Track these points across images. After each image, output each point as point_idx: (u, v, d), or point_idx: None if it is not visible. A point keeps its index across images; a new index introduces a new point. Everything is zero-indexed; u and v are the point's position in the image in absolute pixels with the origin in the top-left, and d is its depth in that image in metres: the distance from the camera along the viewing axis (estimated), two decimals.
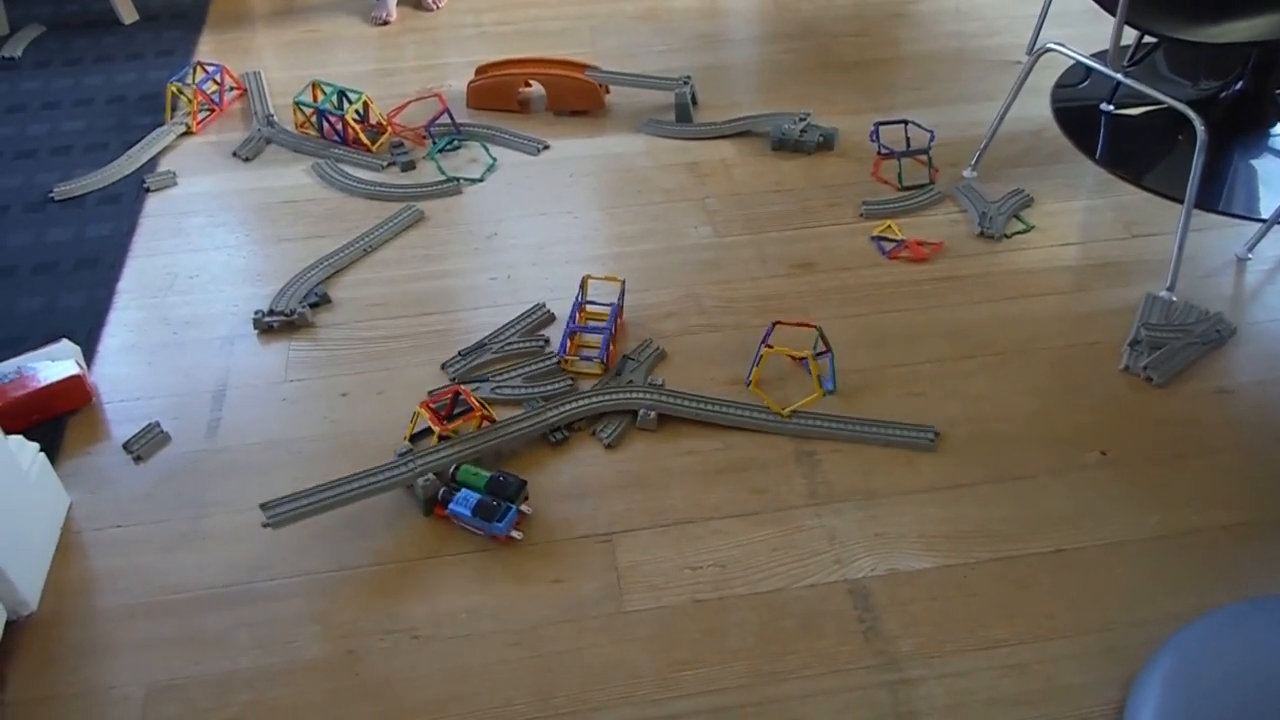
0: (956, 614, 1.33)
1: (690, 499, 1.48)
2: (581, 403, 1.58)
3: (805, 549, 1.41)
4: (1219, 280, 1.82)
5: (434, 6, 2.72)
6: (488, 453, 1.52)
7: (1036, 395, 1.62)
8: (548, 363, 1.67)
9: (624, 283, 1.77)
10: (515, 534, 1.42)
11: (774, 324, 1.66)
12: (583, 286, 1.76)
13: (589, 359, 1.67)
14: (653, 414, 1.56)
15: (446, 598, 1.36)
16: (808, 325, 1.66)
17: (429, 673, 1.28)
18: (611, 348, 1.69)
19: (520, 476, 1.46)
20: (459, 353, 1.71)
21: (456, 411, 1.56)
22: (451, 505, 1.42)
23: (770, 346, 1.62)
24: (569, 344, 1.69)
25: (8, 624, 1.32)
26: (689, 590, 1.36)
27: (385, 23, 2.64)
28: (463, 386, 1.59)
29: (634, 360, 1.67)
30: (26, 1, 2.80)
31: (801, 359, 1.62)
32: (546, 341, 1.72)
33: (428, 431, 1.54)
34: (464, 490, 1.44)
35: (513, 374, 1.66)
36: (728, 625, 1.32)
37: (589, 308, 1.76)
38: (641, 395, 1.58)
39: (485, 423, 1.54)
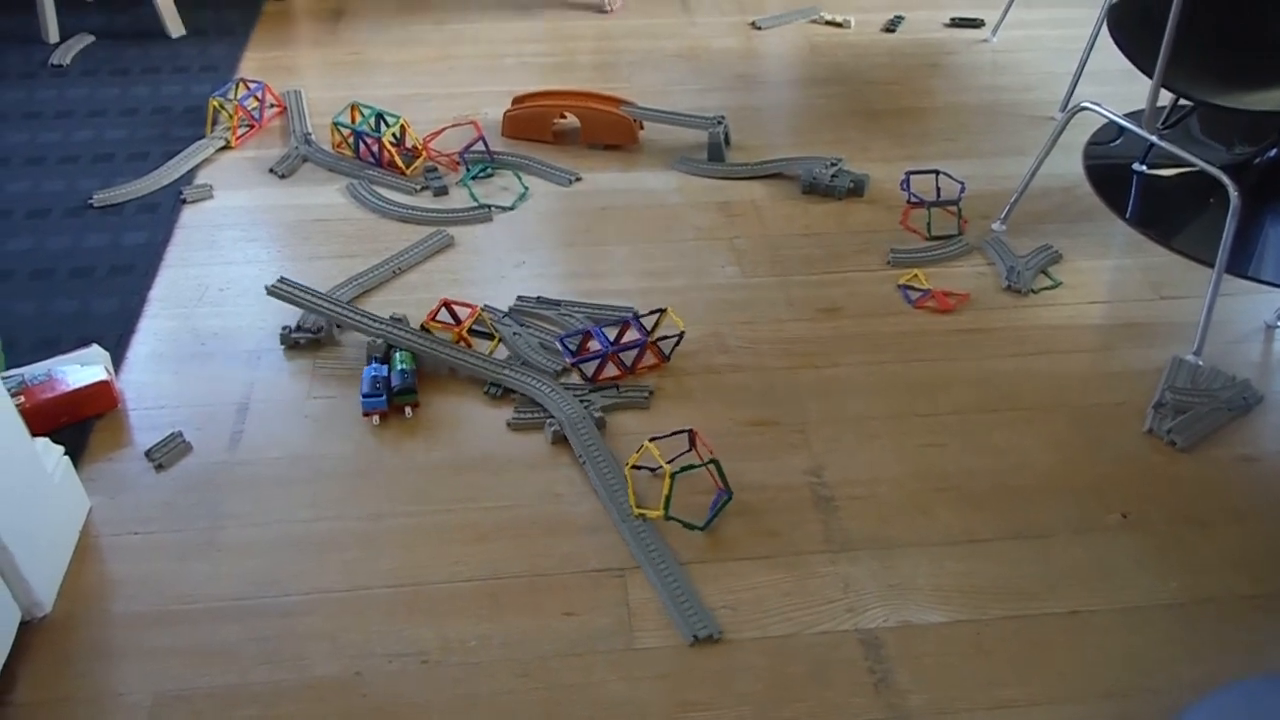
0: (969, 670, 1.32)
1: (704, 538, 1.47)
2: (518, 378, 1.68)
3: (818, 595, 1.40)
4: (1247, 346, 1.81)
5: (609, 8, 2.79)
6: (440, 365, 1.73)
7: (1059, 452, 1.61)
8: (575, 338, 1.74)
9: (682, 334, 1.76)
10: (374, 418, 1.63)
11: (692, 432, 1.58)
12: (660, 315, 1.76)
13: (581, 361, 1.71)
14: (553, 429, 1.60)
15: (457, 623, 1.36)
16: (712, 453, 1.54)
17: (435, 698, 1.28)
18: (616, 372, 1.71)
19: (414, 391, 1.65)
20: (538, 297, 1.86)
21: (470, 322, 1.76)
22: (368, 368, 1.68)
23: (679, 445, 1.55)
24: (579, 341, 1.72)
25: (22, 624, 1.33)
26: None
27: (608, 10, 2.72)
28: (482, 309, 1.78)
29: (616, 390, 1.68)
30: (79, 11, 2.86)
31: (713, 472, 1.52)
32: (621, 329, 1.76)
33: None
34: (384, 365, 1.69)
35: (542, 335, 1.78)
36: (737, 668, 1.32)
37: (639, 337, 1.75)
38: (567, 410, 1.62)
39: (461, 342, 1.73)
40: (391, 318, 1.77)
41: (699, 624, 1.35)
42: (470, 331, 1.76)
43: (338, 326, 1.78)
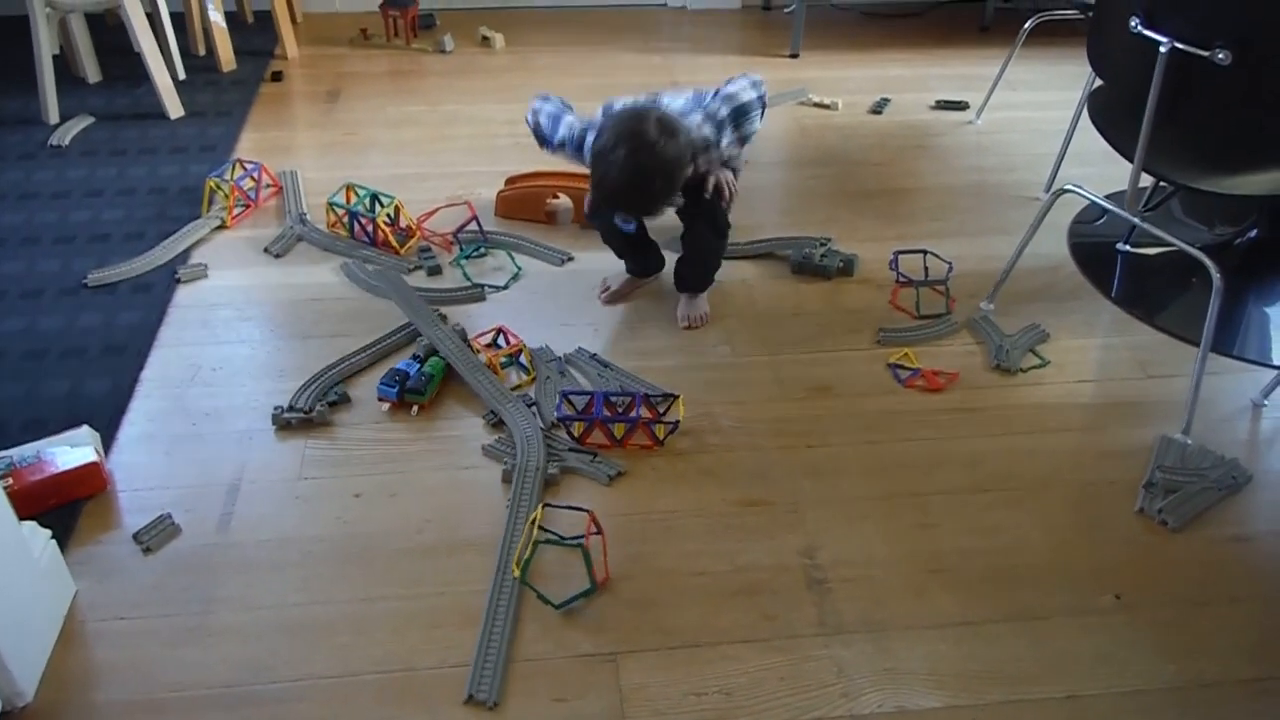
0: None
1: (699, 621, 1.46)
2: (511, 413, 1.77)
3: (813, 680, 1.39)
4: (1234, 425, 1.82)
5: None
6: (468, 383, 1.85)
7: (1051, 532, 1.61)
8: (581, 397, 1.80)
9: (678, 423, 1.76)
10: (382, 403, 1.81)
11: (590, 514, 1.54)
12: (673, 403, 1.77)
13: (567, 419, 1.75)
14: (505, 468, 1.68)
15: (448, 710, 1.34)
16: (588, 545, 1.49)
17: None
18: (605, 441, 1.74)
19: (422, 393, 1.80)
20: (594, 355, 1.95)
21: (507, 353, 1.92)
22: (403, 362, 1.86)
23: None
24: (582, 402, 1.77)
25: (2, 715, 1.30)
26: (693, 717, 1.34)
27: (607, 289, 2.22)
28: (525, 348, 1.93)
29: (591, 457, 1.71)
30: (80, 92, 2.91)
31: (574, 542, 1.50)
32: (628, 403, 1.78)
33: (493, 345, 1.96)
34: (417, 364, 1.84)
35: (568, 388, 1.83)
36: None
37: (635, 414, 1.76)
38: (530, 456, 1.68)
39: (491, 369, 1.87)
40: (454, 327, 1.96)
41: (483, 688, 1.35)
42: (515, 363, 1.91)
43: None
